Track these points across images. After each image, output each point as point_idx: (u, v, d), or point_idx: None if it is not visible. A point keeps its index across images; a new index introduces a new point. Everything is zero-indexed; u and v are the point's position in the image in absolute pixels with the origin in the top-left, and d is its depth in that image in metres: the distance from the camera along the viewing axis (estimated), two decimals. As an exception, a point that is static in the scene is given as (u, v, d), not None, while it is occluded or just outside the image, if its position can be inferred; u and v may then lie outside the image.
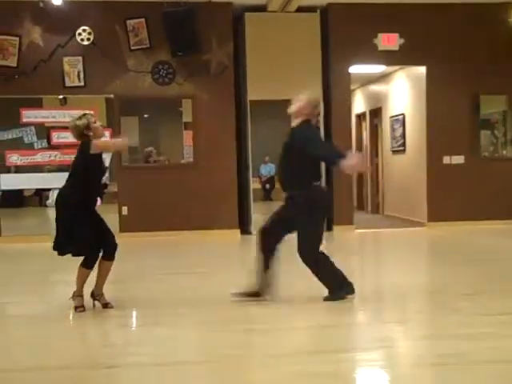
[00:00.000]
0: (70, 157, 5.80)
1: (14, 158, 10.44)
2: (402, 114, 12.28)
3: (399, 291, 6.51)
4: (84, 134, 5.52)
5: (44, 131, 10.61)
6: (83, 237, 5.40)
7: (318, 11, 10.98)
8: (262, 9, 10.81)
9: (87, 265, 5.49)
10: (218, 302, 5.81)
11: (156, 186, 10.64)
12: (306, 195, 5.66)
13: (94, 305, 5.65)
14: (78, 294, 5.56)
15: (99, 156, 5.58)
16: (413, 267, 7.87)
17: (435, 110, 11.11)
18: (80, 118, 5.58)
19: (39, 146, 10.54)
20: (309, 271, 7.65)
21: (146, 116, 11.62)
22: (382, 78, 13.23)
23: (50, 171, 10.69)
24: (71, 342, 4.91)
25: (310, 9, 10.89)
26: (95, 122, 5.59)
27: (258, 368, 4.17)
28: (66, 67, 10.41)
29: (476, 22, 10.97)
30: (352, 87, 12.05)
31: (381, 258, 9.36)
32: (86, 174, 5.51)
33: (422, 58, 11.02)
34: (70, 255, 5.54)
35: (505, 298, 5.80)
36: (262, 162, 15.24)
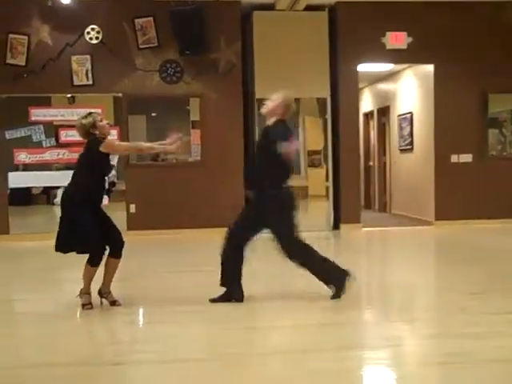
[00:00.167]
0: (78, 155, 5.79)
1: (22, 157, 10.48)
2: (410, 113, 12.26)
3: (406, 290, 6.51)
4: (90, 132, 5.56)
5: (52, 130, 10.64)
6: (87, 234, 5.42)
7: (326, 10, 10.98)
8: (270, 7, 10.81)
9: (92, 262, 5.51)
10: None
11: (164, 185, 10.66)
12: (275, 196, 5.63)
13: (101, 302, 5.68)
14: (86, 292, 5.59)
15: (107, 154, 5.60)
16: (420, 266, 7.86)
17: (443, 109, 11.09)
18: (86, 116, 5.62)
19: (47, 145, 10.57)
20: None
21: (153, 115, 11.64)
22: (389, 76, 13.21)
23: (58, 169, 10.73)
24: (78, 339, 4.93)
25: (318, 7, 10.89)
26: (101, 121, 5.61)
27: (263, 366, 4.17)
28: (75, 66, 10.45)
29: (484, 20, 10.95)
30: (360, 86, 12.05)
31: (388, 256, 9.35)
32: (91, 171, 5.53)
33: (430, 56, 10.99)
34: (75, 253, 5.57)
35: (512, 297, 5.80)
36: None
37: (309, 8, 10.68)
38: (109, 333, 5.32)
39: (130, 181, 10.70)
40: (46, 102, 10.74)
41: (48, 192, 11.68)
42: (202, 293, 5.87)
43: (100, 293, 5.69)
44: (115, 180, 11.18)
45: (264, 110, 5.86)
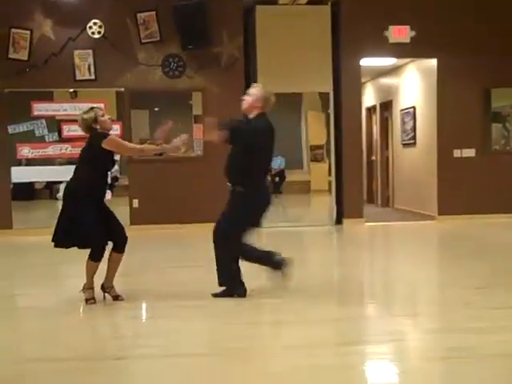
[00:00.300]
0: (80, 150, 5.78)
1: (25, 151, 10.48)
2: (413, 107, 12.24)
3: (409, 284, 6.51)
4: (92, 127, 5.56)
5: (55, 124, 10.65)
6: (89, 229, 5.42)
7: (329, 4, 10.95)
8: (272, 1, 10.79)
9: (93, 257, 5.52)
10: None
11: (166, 180, 10.66)
12: (247, 192, 5.60)
13: (104, 297, 5.68)
14: (89, 287, 5.59)
15: (110, 150, 5.60)
16: (423, 260, 7.86)
17: (446, 103, 11.06)
18: (87, 111, 5.64)
19: (50, 139, 10.57)
20: (318, 264, 7.69)
21: (156, 109, 11.64)
22: (392, 70, 13.17)
23: (60, 164, 10.74)
24: (81, 333, 4.94)
25: (320, 1, 10.86)
26: (103, 116, 5.61)
27: (266, 360, 4.18)
28: (77, 60, 10.44)
29: (488, 14, 10.91)
30: (362, 80, 12.02)
31: (391, 251, 9.35)
32: (93, 166, 5.53)
33: (433, 50, 10.95)
34: (76, 248, 5.57)
35: (515, 292, 5.80)
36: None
37: (311, 2, 10.67)
38: (111, 327, 5.33)
39: (133, 176, 10.70)
40: (48, 97, 10.74)
41: (51, 187, 11.71)
42: (204, 288, 5.87)
43: (103, 287, 5.70)
44: (118, 175, 11.19)
45: (244, 105, 5.83)
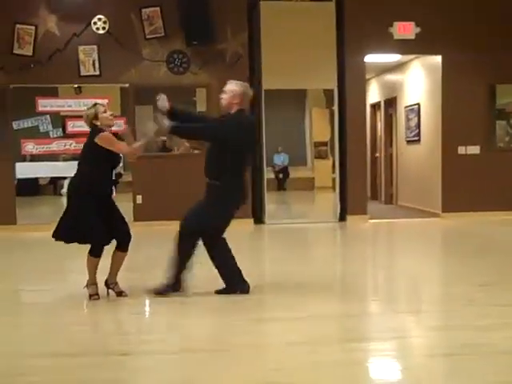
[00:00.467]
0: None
1: (29, 147, 10.49)
2: (417, 104, 12.22)
3: (412, 281, 6.51)
4: (93, 123, 5.59)
5: (59, 120, 10.65)
6: (88, 225, 5.43)
7: (334, 0, 10.92)
8: (276, -2, 10.78)
9: (92, 253, 5.53)
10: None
11: (170, 176, 10.65)
12: (220, 188, 5.59)
13: (107, 293, 5.69)
14: (92, 283, 5.60)
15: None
16: (427, 257, 7.85)
17: (451, 100, 11.04)
18: (90, 107, 5.69)
19: (54, 135, 10.58)
20: (321, 260, 7.70)
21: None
22: (397, 67, 13.15)
23: (65, 160, 10.75)
24: (85, 329, 4.95)
25: (325, -3, 10.85)
26: (105, 112, 5.61)
27: (269, 357, 4.18)
28: (81, 56, 10.44)
29: (493, 11, 10.88)
30: (367, 77, 12.00)
31: (394, 248, 9.35)
32: (95, 162, 5.53)
33: (438, 47, 10.94)
34: (77, 243, 5.60)
35: (519, 289, 5.79)
36: (275, 152, 15.24)
37: (316, -2, 10.65)
38: (115, 323, 5.33)
39: (137, 172, 10.70)
40: (53, 93, 10.74)
41: (55, 182, 11.71)
42: (208, 284, 5.87)
43: (106, 283, 5.71)
44: (121, 171, 11.19)
45: (222, 103, 5.79)
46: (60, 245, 5.63)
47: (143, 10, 10.50)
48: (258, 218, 10.98)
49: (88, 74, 10.45)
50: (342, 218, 11.12)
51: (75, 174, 5.66)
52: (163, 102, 5.72)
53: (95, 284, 5.61)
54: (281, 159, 14.48)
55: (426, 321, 5.03)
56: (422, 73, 12.10)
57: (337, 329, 4.85)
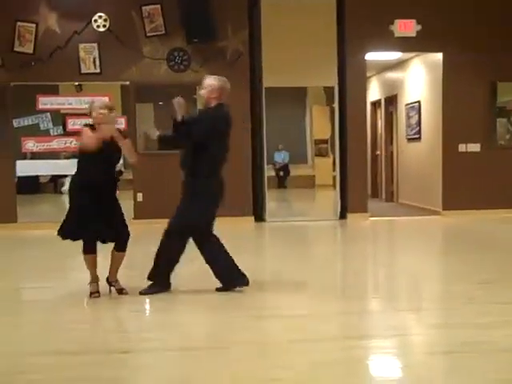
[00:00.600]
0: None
1: (29, 145, 10.50)
2: (418, 102, 12.21)
3: (413, 279, 6.51)
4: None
5: (60, 118, 10.65)
6: (75, 221, 5.47)
7: (334, -3, 10.92)
8: (277, -5, 10.77)
9: (83, 250, 5.55)
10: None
11: (171, 173, 10.58)
12: (197, 185, 5.59)
13: (110, 290, 5.71)
14: (92, 280, 5.62)
15: (103, 143, 5.59)
16: (427, 255, 7.85)
17: (451, 98, 11.03)
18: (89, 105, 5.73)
19: (55, 133, 10.58)
20: (322, 258, 7.71)
21: (161, 103, 11.63)
22: (397, 65, 13.14)
23: (65, 158, 10.75)
24: (85, 327, 4.95)
25: (325, -5, 10.83)
26: (100, 109, 5.61)
27: (270, 354, 4.19)
28: (82, 54, 10.44)
29: (494, 9, 10.86)
30: (368, 74, 11.99)
31: (395, 246, 9.35)
32: (87, 158, 5.54)
33: (439, 44, 10.92)
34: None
35: (520, 287, 5.79)
36: (275, 150, 15.25)
37: (317, -4, 10.63)
38: (116, 321, 5.34)
39: (137, 170, 10.69)
40: (53, 90, 10.74)
41: (55, 180, 11.72)
42: (208, 281, 5.87)
43: (108, 281, 5.72)
44: (122, 169, 11.18)
45: (202, 97, 5.79)
46: (61, 243, 5.63)
47: (144, 8, 10.49)
48: (259, 216, 10.99)
49: (88, 71, 10.45)
50: (343, 215, 11.12)
51: (75, 172, 5.69)
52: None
53: (96, 282, 5.62)
54: (281, 157, 14.49)
55: (426, 319, 5.04)
56: (423, 70, 12.10)
57: (337, 326, 4.85)
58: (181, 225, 5.67)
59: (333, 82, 11.03)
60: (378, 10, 10.73)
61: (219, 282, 5.74)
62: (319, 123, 12.56)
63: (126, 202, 9.95)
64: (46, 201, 12.03)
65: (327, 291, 5.82)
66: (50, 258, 7.86)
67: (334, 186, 11.35)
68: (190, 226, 5.68)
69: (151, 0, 10.48)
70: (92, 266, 5.59)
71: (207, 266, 5.80)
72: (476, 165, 11.07)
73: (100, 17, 10.41)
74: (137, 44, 10.54)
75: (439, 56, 11.13)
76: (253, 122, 10.94)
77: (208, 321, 5.02)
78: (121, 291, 5.69)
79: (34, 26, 10.30)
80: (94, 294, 5.59)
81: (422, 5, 10.77)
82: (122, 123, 10.21)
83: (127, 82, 10.62)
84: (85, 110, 5.81)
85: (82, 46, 10.42)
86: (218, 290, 5.72)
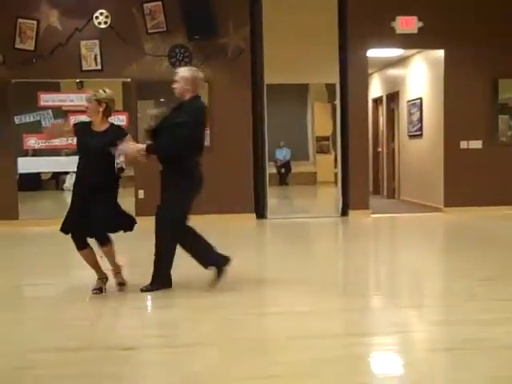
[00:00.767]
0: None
1: (31, 142, 10.50)
2: (420, 99, 12.20)
3: (415, 276, 6.51)
4: None
5: (61, 115, 10.65)
6: (65, 217, 5.52)
7: (336, -6, 10.91)
8: (278, -9, 10.75)
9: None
10: (232, 286, 5.83)
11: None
12: (178, 171, 5.59)
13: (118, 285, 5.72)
14: (98, 277, 5.63)
15: (76, 134, 5.74)
16: (429, 252, 7.85)
17: (453, 95, 11.02)
18: None
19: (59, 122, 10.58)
20: (323, 255, 7.70)
21: (162, 100, 11.62)
22: (399, 61, 13.13)
23: (67, 155, 10.74)
24: (87, 324, 4.96)
25: (327, -9, 10.82)
26: (89, 102, 5.62)
27: (271, 351, 4.19)
28: (83, 51, 10.43)
29: (496, 5, 10.85)
30: (369, 71, 11.98)
31: (397, 242, 9.35)
32: (79, 154, 5.65)
33: (441, 41, 10.90)
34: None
35: (521, 284, 5.79)
36: (277, 147, 15.24)
37: (318, -8, 10.62)
38: (118, 318, 5.34)
39: (139, 166, 10.68)
40: (55, 87, 10.74)
41: (57, 177, 11.71)
42: (208, 278, 5.87)
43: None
44: (123, 166, 11.17)
45: (176, 93, 5.77)
46: (62, 239, 5.64)
47: (145, 5, 10.48)
48: (260, 213, 10.98)
49: (90, 68, 10.44)
50: (344, 212, 11.12)
51: None
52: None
53: (100, 278, 5.63)
54: (283, 154, 14.49)
55: (428, 315, 5.04)
56: (425, 67, 12.08)
57: (339, 323, 4.85)
58: (175, 218, 5.66)
59: (334, 78, 11.02)
60: (380, 7, 10.71)
61: (207, 266, 5.71)
62: (321, 120, 12.55)
63: (128, 199, 9.98)
64: (48, 198, 12.03)
65: (329, 288, 5.82)
66: (51, 254, 7.86)
67: (335, 182, 11.35)
68: (183, 216, 5.68)
69: (152, -3, 10.48)
70: (88, 262, 5.59)
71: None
72: (478, 162, 11.06)
73: (101, 14, 10.40)
74: (138, 41, 10.53)
75: (441, 53, 11.12)
76: (254, 119, 10.94)
77: (209, 318, 5.02)
78: (120, 284, 5.68)
79: (35, 22, 10.29)
80: (95, 290, 5.58)
81: (423, 2, 10.76)
82: (123, 120, 10.23)
83: (128, 79, 10.61)
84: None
85: (83, 42, 10.41)
86: (212, 282, 5.66)
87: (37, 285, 6.31)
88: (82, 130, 5.68)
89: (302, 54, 10.61)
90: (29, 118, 10.54)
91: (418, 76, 12.43)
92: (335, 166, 11.38)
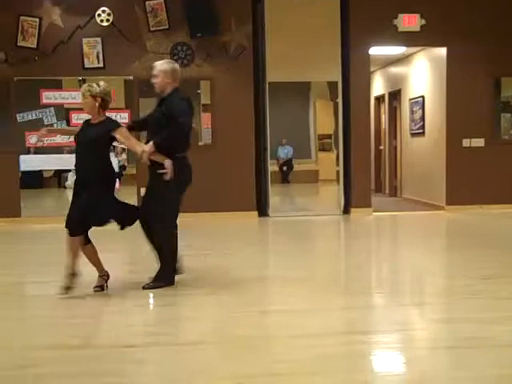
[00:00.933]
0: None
1: (33, 139, 10.51)
2: (422, 97, 12.19)
3: (416, 274, 6.51)
4: None
5: (63, 112, 10.66)
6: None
7: (338, -8, 10.89)
8: (281, -11, 10.74)
9: None
10: (234, 283, 5.84)
11: (174, 168, 10.64)
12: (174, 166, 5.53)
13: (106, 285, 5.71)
14: (99, 274, 5.63)
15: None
16: (431, 250, 7.84)
17: (455, 93, 11.01)
18: None
19: (59, 128, 10.58)
20: (325, 253, 7.70)
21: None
22: (401, 59, 13.12)
23: (69, 152, 10.74)
24: (89, 321, 4.97)
25: (329, -11, 10.80)
26: (84, 98, 5.64)
27: (273, 349, 4.20)
28: (86, 48, 10.44)
29: (499, 3, 10.83)
30: (371, 69, 11.97)
31: (398, 240, 9.34)
32: None
33: (443, 39, 10.89)
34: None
35: (523, 282, 5.79)
36: (279, 145, 15.24)
37: (320, -10, 10.60)
38: (120, 316, 5.33)
39: (141, 164, 10.68)
40: (57, 85, 10.75)
41: (59, 175, 11.72)
42: (214, 276, 5.89)
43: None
44: (126, 164, 11.20)
45: (156, 87, 5.76)
46: (63, 237, 5.63)
47: (147, 3, 10.48)
48: (262, 211, 10.99)
49: (92, 66, 10.45)
50: (346, 210, 11.12)
51: None
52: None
53: (100, 276, 5.62)
54: (285, 152, 14.49)
55: (429, 313, 5.04)
56: (427, 65, 12.07)
57: (341, 321, 4.85)
58: (171, 215, 5.66)
59: (336, 76, 11.01)
60: (382, 5, 10.70)
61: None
62: (323, 118, 12.55)
63: (130, 197, 9.99)
64: (50, 195, 12.04)
65: (331, 286, 5.82)
66: (53, 252, 7.85)
67: (337, 180, 11.34)
68: (177, 213, 5.69)
69: (155, -6, 10.47)
70: (89, 259, 5.59)
71: (211, 264, 5.81)
72: (480, 160, 11.05)
73: (103, 11, 10.40)
74: (140, 39, 10.53)
75: (443, 51, 11.10)
76: (256, 117, 10.94)
77: (211, 315, 5.02)
78: (96, 287, 5.60)
79: (37, 20, 10.29)
80: (96, 287, 5.59)
81: (426, -1, 10.75)
82: (125, 118, 10.23)
83: (131, 77, 10.61)
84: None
85: (85, 40, 10.41)
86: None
87: (39, 282, 6.31)
88: (82, 126, 5.71)
89: (304, 51, 10.61)
90: (31, 116, 10.55)
91: (420, 74, 12.41)
92: (337, 164, 11.37)
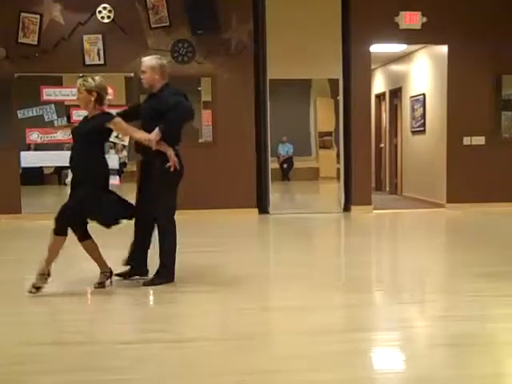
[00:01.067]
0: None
1: (34, 136, 10.51)
2: (423, 94, 12.18)
3: (417, 272, 6.50)
4: None
5: (64, 109, 10.66)
6: None
7: (339, -11, 10.88)
8: (282, -14, 10.73)
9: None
10: (236, 280, 5.84)
11: (175, 165, 10.64)
12: (163, 159, 5.53)
13: (111, 282, 5.71)
14: (101, 271, 5.62)
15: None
16: (431, 248, 7.84)
17: (456, 90, 11.00)
18: None
19: (59, 124, 10.59)
20: (326, 250, 7.71)
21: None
22: (402, 57, 13.11)
23: (69, 149, 10.74)
24: (88, 317, 4.97)
25: (330, -14, 10.79)
26: (79, 93, 5.72)
27: (276, 346, 4.20)
28: (86, 45, 10.43)
29: (500, 1, 10.82)
30: (372, 66, 11.96)
31: (399, 238, 9.34)
32: None
33: (444, 36, 10.88)
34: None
35: (523, 280, 5.79)
36: (279, 142, 15.24)
37: (322, -12, 10.59)
38: (119, 312, 5.34)
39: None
40: (57, 82, 10.74)
41: (59, 172, 11.73)
42: (213, 273, 5.89)
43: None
44: (126, 161, 11.19)
45: (145, 84, 5.77)
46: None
47: (148, 0, 10.47)
48: (263, 208, 10.99)
49: (93, 63, 10.44)
50: (347, 208, 11.12)
51: None
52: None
53: (102, 272, 5.61)
54: (285, 149, 14.49)
55: (429, 311, 5.04)
56: (428, 63, 12.06)
57: (341, 318, 4.86)
58: (171, 213, 5.66)
59: (337, 74, 11.00)
60: (384, 2, 10.70)
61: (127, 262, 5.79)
62: (323, 115, 12.56)
63: (131, 195, 9.98)
64: (50, 192, 12.04)
65: (330, 283, 5.82)
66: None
67: (337, 178, 11.34)
68: (175, 207, 5.73)
69: (156, -9, 10.46)
70: (90, 255, 5.59)
71: (211, 261, 5.81)
72: (480, 158, 11.05)
73: (104, 8, 10.39)
74: (141, 35, 10.52)
75: (444, 48, 11.09)
76: (257, 114, 10.93)
77: (213, 312, 5.03)
78: (97, 284, 5.60)
79: (38, 17, 10.29)
80: (97, 284, 5.58)
81: (427, -4, 10.74)
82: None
83: (131, 74, 10.59)
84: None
85: (86, 37, 10.41)
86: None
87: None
88: (81, 121, 5.72)
89: (305, 49, 10.59)
90: (32, 113, 10.54)
91: (421, 72, 12.41)
92: (338, 162, 11.37)
